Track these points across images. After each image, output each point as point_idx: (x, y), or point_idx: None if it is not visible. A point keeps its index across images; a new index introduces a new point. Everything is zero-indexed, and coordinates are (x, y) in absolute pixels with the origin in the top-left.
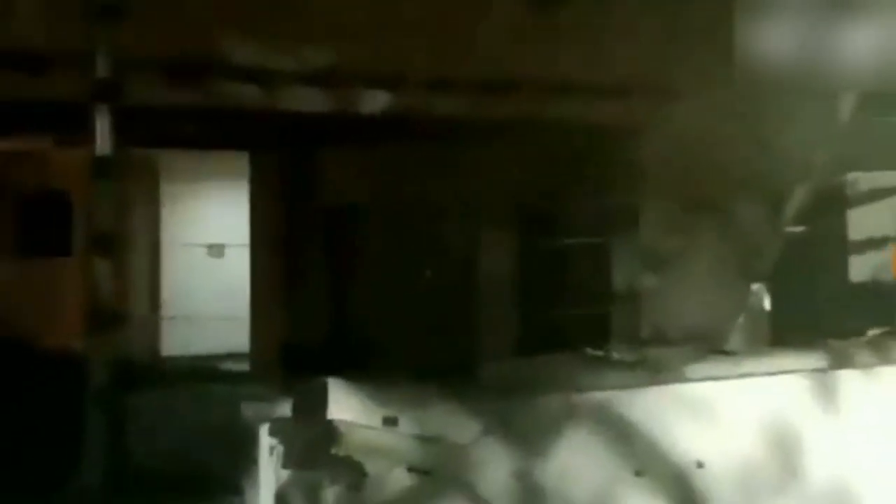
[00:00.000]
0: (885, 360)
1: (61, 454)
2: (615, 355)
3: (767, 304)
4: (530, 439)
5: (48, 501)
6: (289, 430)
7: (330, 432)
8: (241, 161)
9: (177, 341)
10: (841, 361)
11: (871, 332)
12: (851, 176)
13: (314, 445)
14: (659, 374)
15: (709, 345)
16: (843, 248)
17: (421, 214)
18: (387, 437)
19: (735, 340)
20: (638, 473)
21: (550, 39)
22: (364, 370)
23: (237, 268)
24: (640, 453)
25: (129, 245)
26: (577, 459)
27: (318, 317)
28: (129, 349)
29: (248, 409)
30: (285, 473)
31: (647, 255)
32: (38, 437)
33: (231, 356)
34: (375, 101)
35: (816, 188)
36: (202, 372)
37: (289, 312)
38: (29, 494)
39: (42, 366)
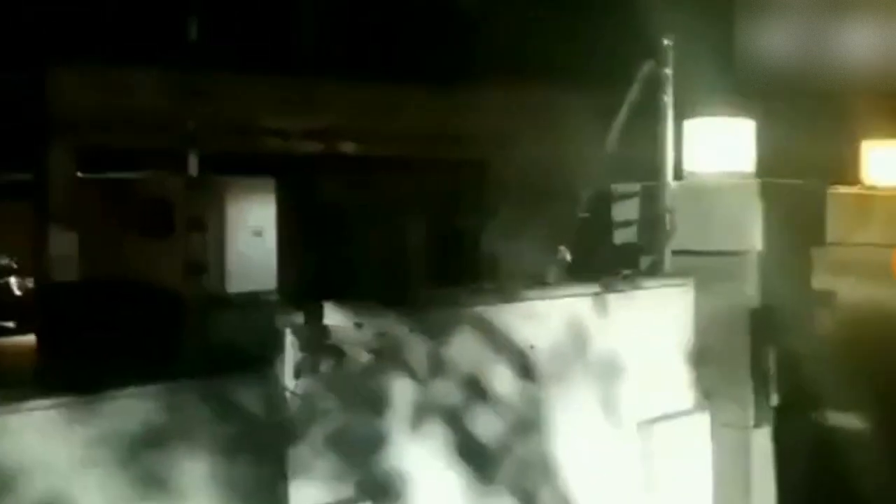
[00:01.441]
0: (634, 287)
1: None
2: (486, 286)
3: (568, 257)
4: (438, 333)
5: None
6: (301, 330)
7: (325, 331)
8: (269, 181)
9: (236, 283)
10: (609, 288)
11: (624, 272)
12: (614, 186)
13: (316, 339)
14: (510, 296)
15: (537, 280)
16: (610, 226)
17: (377, 214)
18: (357, 333)
19: (551, 277)
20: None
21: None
22: (345, 298)
23: (270, 242)
24: (499, 341)
25: (208, 229)
26: (465, 344)
27: (316, 270)
28: (208, 288)
29: (279, 319)
30: (300, 355)
31: (504, 234)
32: (156, 336)
33: (269, 292)
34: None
35: (596, 192)
36: (252, 300)
37: (299, 269)
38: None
39: (162, 297)
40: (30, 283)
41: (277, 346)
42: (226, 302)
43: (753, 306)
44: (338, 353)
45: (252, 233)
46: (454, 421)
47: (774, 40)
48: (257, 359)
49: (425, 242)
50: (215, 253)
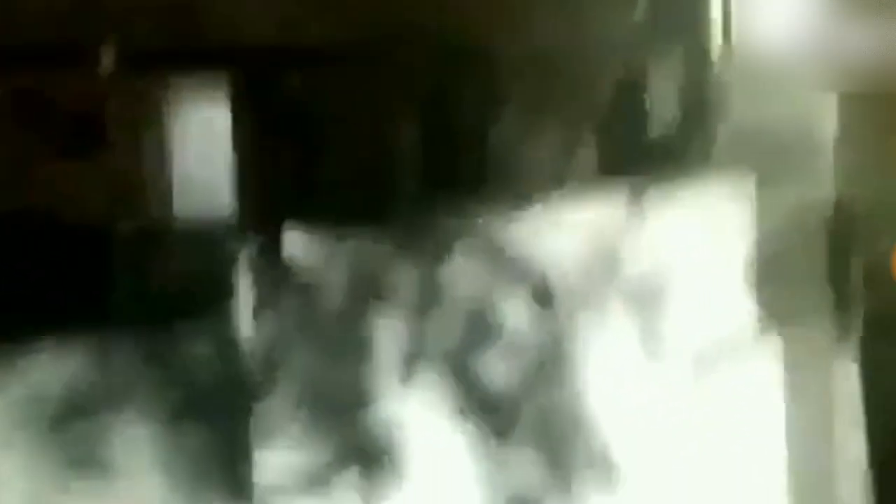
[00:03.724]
0: (677, 186)
1: (98, 285)
2: (492, 194)
3: (594, 151)
4: (432, 254)
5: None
6: (257, 261)
7: (288, 261)
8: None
9: (181, 209)
10: (645, 189)
11: (665, 167)
12: (648, 58)
13: (276, 271)
14: (523, 204)
15: (556, 183)
16: (645, 110)
17: (357, 114)
18: (328, 261)
19: (573, 178)
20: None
21: None
22: (312, 217)
23: (223, 155)
24: (510, 261)
25: (144, 142)
26: (466, 268)
27: (282, 187)
28: (145, 216)
29: (228, 249)
30: (257, 291)
31: (516, 130)
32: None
33: (223, 219)
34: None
35: (626, 70)
36: (200, 229)
37: (262, 187)
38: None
39: (86, 230)
40: None
41: (228, 283)
42: (167, 232)
43: (832, 204)
44: (303, 288)
45: (201, 144)
46: (456, 365)
47: None
48: (205, 299)
49: (419, 145)
50: (154, 172)
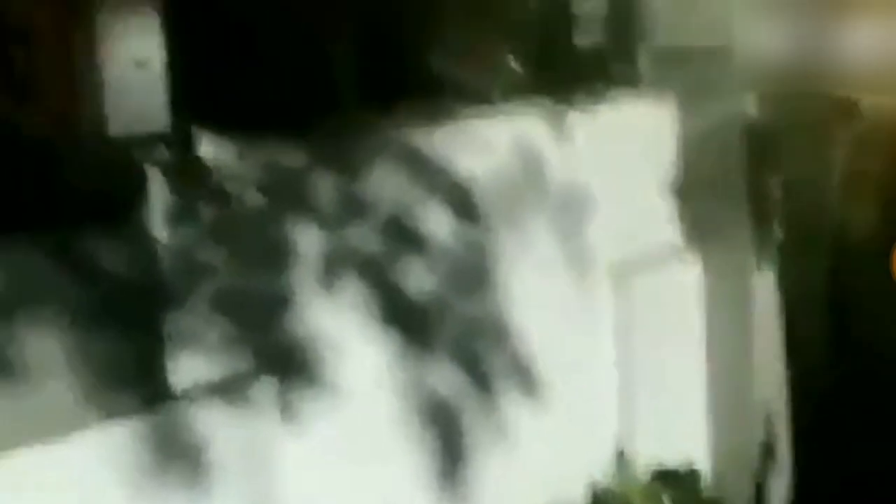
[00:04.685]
0: (600, 101)
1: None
2: (414, 103)
3: (518, 66)
4: (351, 163)
5: None
6: (171, 166)
7: (201, 166)
8: None
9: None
10: (569, 103)
11: (588, 83)
12: None
13: (190, 177)
14: (445, 115)
15: (479, 95)
16: (569, 23)
17: (290, 25)
18: (242, 166)
19: (496, 90)
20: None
21: None
22: (226, 125)
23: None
24: (432, 172)
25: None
26: (387, 177)
27: (216, 100)
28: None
29: (140, 154)
30: (171, 197)
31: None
32: None
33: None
34: None
35: None
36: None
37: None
38: None
39: None
40: None
41: (141, 188)
42: (85, 134)
43: (751, 121)
44: (219, 193)
45: (126, 47)
46: (376, 274)
47: None
48: (117, 204)
49: (347, 56)
50: (75, 74)
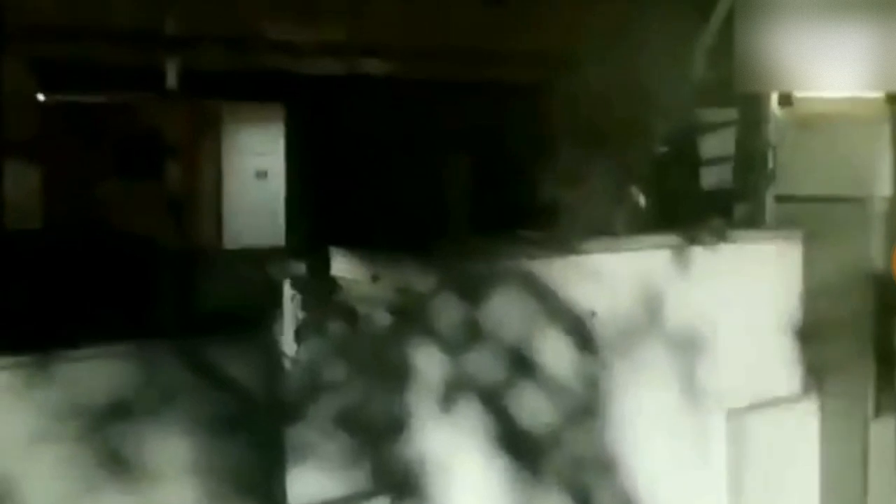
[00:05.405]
0: (725, 240)
1: (145, 300)
2: (538, 235)
3: (643, 201)
4: (475, 290)
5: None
6: (304, 283)
7: (333, 285)
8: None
9: (233, 236)
10: (693, 241)
11: (713, 222)
12: (702, 113)
13: (322, 294)
14: (568, 247)
15: (602, 229)
16: (696, 164)
17: (408, 149)
18: (372, 288)
19: (619, 225)
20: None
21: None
22: (359, 245)
23: (277, 184)
24: (552, 303)
25: (201, 167)
26: (508, 306)
27: (333, 218)
28: (198, 240)
29: (275, 270)
30: (302, 314)
31: (565, 177)
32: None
33: (274, 248)
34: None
35: (680, 122)
36: (251, 255)
37: (313, 217)
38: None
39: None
40: None
41: (274, 303)
42: (219, 255)
43: (877, 267)
44: (349, 312)
45: (255, 173)
46: (493, 401)
47: None
48: (250, 318)
49: (466, 182)
50: (208, 198)
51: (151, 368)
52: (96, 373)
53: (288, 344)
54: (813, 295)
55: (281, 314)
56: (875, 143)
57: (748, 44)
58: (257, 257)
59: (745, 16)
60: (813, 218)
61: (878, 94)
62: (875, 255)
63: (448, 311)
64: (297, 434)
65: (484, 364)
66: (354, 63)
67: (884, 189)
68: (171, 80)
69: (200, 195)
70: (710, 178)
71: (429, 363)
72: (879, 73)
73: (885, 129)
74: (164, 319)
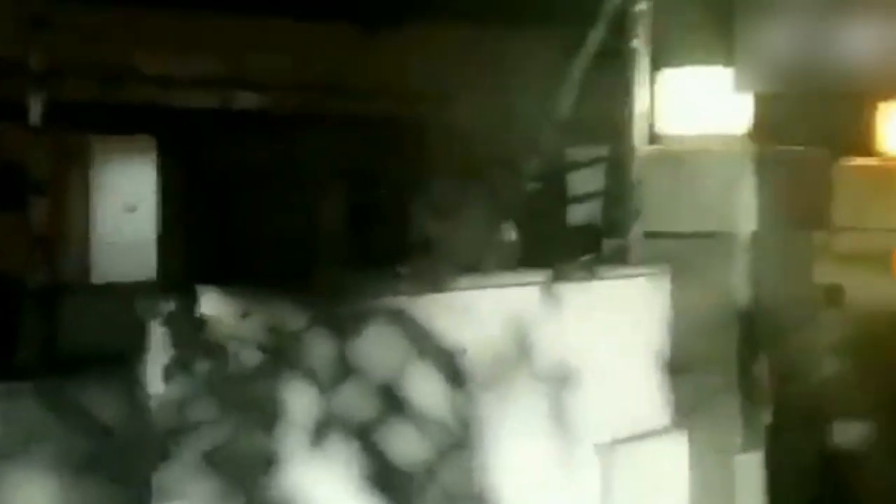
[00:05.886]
0: (593, 276)
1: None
2: (409, 272)
3: (513, 237)
4: (346, 328)
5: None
6: (171, 321)
7: (201, 323)
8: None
9: (101, 271)
10: (562, 277)
11: (582, 258)
12: (570, 151)
13: (190, 332)
14: (439, 284)
15: (473, 265)
16: (565, 200)
17: (282, 184)
18: (242, 326)
19: (490, 262)
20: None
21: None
22: (229, 283)
23: (147, 219)
24: (423, 340)
25: (66, 201)
26: (377, 345)
27: (205, 254)
28: (64, 275)
29: (142, 307)
30: (169, 352)
31: (436, 213)
32: None
33: (143, 283)
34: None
35: (549, 159)
36: (119, 290)
37: (184, 252)
38: None
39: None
40: None
41: (141, 341)
42: (84, 291)
43: (742, 303)
44: (218, 349)
45: (124, 207)
46: (365, 438)
47: None
48: (115, 357)
49: (340, 218)
50: (75, 232)
51: (12, 410)
52: None
53: (155, 382)
54: (681, 330)
55: (148, 352)
56: (738, 178)
57: (748, 43)
58: (125, 293)
59: (745, 16)
60: (680, 253)
61: (741, 131)
62: (740, 290)
63: (319, 348)
64: (164, 474)
65: (355, 401)
66: (227, 96)
67: (748, 224)
68: (36, 112)
69: (67, 229)
70: (579, 214)
71: (299, 400)
72: None
73: (748, 164)
74: (26, 358)
